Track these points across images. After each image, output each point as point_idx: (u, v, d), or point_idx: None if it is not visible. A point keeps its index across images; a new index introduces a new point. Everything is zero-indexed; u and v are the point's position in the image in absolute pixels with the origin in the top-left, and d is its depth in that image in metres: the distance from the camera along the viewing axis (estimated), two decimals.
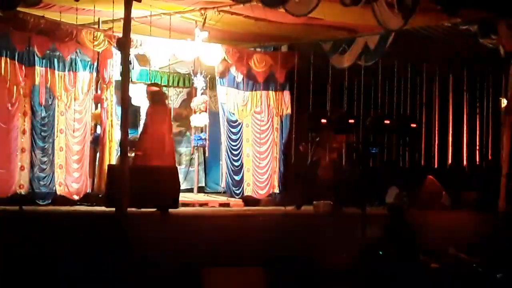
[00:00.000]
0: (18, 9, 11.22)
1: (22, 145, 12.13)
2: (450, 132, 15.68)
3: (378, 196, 14.35)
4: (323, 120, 10.90)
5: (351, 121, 9.67)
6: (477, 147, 15.77)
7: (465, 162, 15.74)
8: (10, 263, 9.78)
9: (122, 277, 9.37)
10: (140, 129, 12.92)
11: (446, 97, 15.57)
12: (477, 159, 15.79)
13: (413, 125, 10.23)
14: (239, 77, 14.27)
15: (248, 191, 14.47)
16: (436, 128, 15.63)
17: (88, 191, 12.82)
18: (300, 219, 11.88)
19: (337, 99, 14.46)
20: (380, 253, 10.48)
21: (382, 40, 13.20)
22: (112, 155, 12.89)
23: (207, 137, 14.16)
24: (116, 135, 12.85)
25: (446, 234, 12.77)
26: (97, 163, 13.00)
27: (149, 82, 13.03)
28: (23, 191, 12.09)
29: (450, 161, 15.58)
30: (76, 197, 12.60)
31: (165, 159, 12.20)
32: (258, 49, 14.49)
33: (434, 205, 13.65)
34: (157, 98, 12.44)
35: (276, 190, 14.71)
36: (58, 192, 12.41)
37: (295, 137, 14.43)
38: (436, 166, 15.45)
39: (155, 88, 12.46)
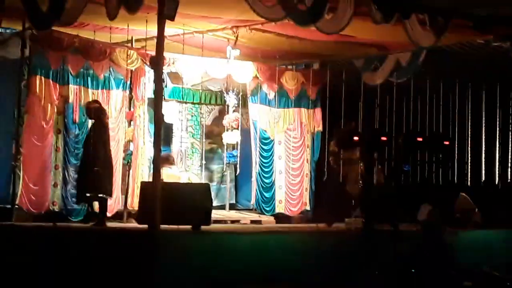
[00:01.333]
0: (53, 28, 11.36)
1: (56, 162, 12.24)
2: (483, 149, 15.56)
3: (410, 214, 14.28)
4: (356, 138, 10.89)
5: (384, 138, 9.64)
6: (510, 164, 15.64)
7: (497, 180, 15.61)
8: (44, 279, 9.88)
9: None
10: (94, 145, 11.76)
11: (479, 114, 15.46)
12: (509, 176, 15.66)
13: (446, 142, 10.18)
14: (271, 95, 14.31)
15: (280, 208, 14.48)
16: (469, 145, 15.52)
17: (120, 208, 12.89)
18: (331, 236, 11.83)
19: (369, 116, 14.41)
20: (413, 271, 10.44)
21: (414, 57, 13.18)
22: (144, 172, 12.96)
23: (238, 154, 14.19)
24: (148, 152, 12.94)
25: (479, 252, 12.68)
26: (129, 180, 13.08)
27: (93, 99, 12.34)
28: (56, 208, 12.19)
29: (483, 178, 15.45)
30: (108, 214, 12.66)
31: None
32: (290, 67, 14.53)
33: (467, 223, 13.55)
34: (100, 114, 11.92)
35: (308, 208, 14.69)
36: (90, 209, 12.49)
37: (327, 155, 14.42)
38: (468, 183, 15.33)
39: (97, 105, 12.11)
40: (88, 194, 11.62)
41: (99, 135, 11.67)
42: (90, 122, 12.39)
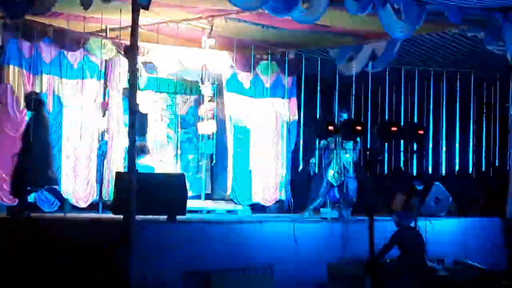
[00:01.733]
0: (26, 17, 11.26)
1: None
2: (457, 138, 15.65)
3: (385, 203, 14.35)
4: (330, 127, 10.91)
5: (359, 127, 9.67)
6: (484, 153, 15.74)
7: (471, 169, 15.71)
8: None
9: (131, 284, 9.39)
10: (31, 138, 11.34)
11: (453, 104, 15.55)
12: (484, 166, 15.77)
13: (421, 132, 10.20)
14: (246, 84, 14.28)
15: (255, 198, 14.48)
16: (444, 135, 15.60)
17: (95, 198, 12.84)
18: (306, 225, 11.88)
19: (344, 105, 14.42)
20: (388, 261, 10.49)
21: (390, 47, 13.19)
22: (119, 162, 12.91)
23: (214, 144, 14.16)
24: (123, 142, 12.88)
25: (453, 241, 12.78)
26: (104, 170, 13.03)
27: (32, 90, 11.97)
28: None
29: (457, 167, 15.55)
30: (83, 204, 12.61)
31: None
32: (265, 56, 14.51)
33: (441, 211, 13.64)
34: (39, 106, 11.52)
35: (283, 197, 14.71)
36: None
37: (303, 144, 14.44)
38: (443, 172, 15.42)
39: (36, 96, 11.80)
40: (26, 188, 11.37)
41: (36, 128, 11.25)
42: (64, 112, 12.36)
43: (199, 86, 14.27)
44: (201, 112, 14.03)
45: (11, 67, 11.89)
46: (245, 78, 14.24)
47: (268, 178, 14.58)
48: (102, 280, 9.47)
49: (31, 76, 12.09)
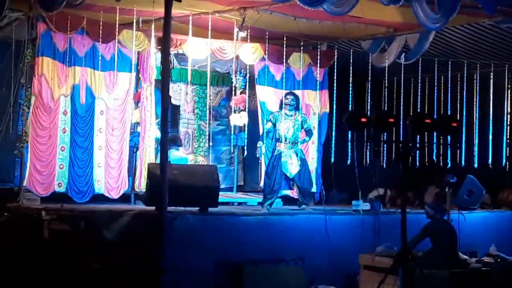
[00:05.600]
0: (60, 9, 11.33)
1: (62, 143, 12.27)
2: (491, 130, 15.49)
3: (418, 196, 14.29)
4: (363, 119, 10.88)
5: (391, 120, 9.61)
6: None
7: (504, 162, 15.57)
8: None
9: (163, 274, 9.45)
10: None
11: (487, 95, 15.39)
12: None
13: (454, 124, 10.11)
14: (278, 76, 14.26)
15: (286, 190, 14.46)
16: (477, 127, 15.45)
17: (126, 190, 12.92)
18: (337, 217, 11.87)
19: (377, 97, 14.37)
20: (420, 253, 10.45)
21: (423, 38, 13.11)
22: (151, 154, 12.97)
23: (246, 136, 14.17)
24: (155, 134, 12.95)
25: (486, 234, 12.70)
26: (136, 162, 13.10)
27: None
28: (61, 189, 12.22)
29: (490, 160, 15.41)
30: (115, 196, 12.69)
31: None
32: (297, 48, 14.47)
33: (474, 204, 13.56)
34: None
35: (314, 190, 14.66)
36: (96, 190, 12.51)
37: (335, 136, 14.40)
38: (476, 165, 15.30)
39: None
40: None
41: None
42: (97, 103, 12.46)
43: (231, 78, 14.30)
44: (233, 104, 14.03)
45: (45, 58, 11.97)
46: (276, 70, 14.22)
47: None
48: (135, 271, 9.54)
49: (65, 67, 12.17)
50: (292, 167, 12.62)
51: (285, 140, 12.63)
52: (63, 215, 10.41)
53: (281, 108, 12.95)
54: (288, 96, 12.91)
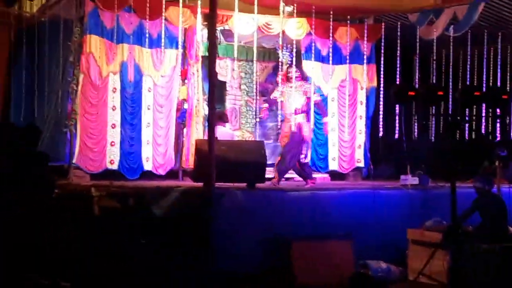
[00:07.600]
0: None
1: (112, 121, 12.38)
2: None
3: (468, 169, 14.11)
4: (411, 93, 10.77)
5: (440, 93, 9.48)
6: None
7: None
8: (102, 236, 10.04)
9: (211, 250, 9.50)
10: None
11: None
12: None
13: (504, 96, 9.94)
14: (325, 51, 14.17)
15: (333, 166, 14.44)
16: None
17: (174, 166, 13.00)
18: (385, 192, 11.80)
19: (425, 71, 14.19)
20: (470, 228, 10.34)
21: (471, 9, 12.89)
22: (199, 130, 13.02)
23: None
24: (202, 110, 12.99)
25: None
26: (184, 138, 13.16)
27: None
28: (113, 166, 12.35)
29: None
30: (162, 172, 12.79)
31: None
32: (344, 22, 14.35)
33: None
34: None
35: (362, 164, 14.62)
36: (145, 168, 12.62)
37: (383, 110, 14.29)
38: None
39: None
40: None
41: None
42: (144, 81, 12.52)
43: (278, 53, 14.26)
44: (279, 79, 13.96)
45: (93, 36, 12.06)
46: (323, 45, 14.14)
47: (346, 145, 14.51)
48: (184, 245, 9.60)
49: (112, 45, 12.25)
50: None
51: None
52: (113, 192, 10.52)
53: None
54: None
